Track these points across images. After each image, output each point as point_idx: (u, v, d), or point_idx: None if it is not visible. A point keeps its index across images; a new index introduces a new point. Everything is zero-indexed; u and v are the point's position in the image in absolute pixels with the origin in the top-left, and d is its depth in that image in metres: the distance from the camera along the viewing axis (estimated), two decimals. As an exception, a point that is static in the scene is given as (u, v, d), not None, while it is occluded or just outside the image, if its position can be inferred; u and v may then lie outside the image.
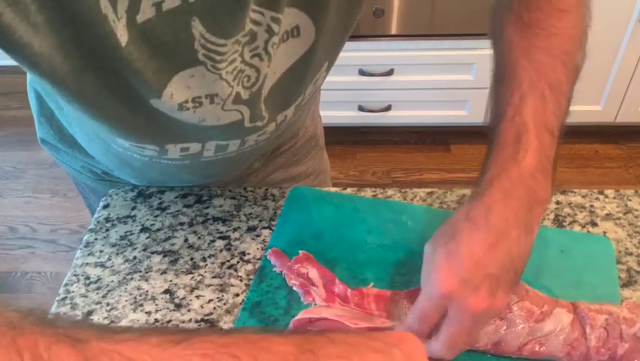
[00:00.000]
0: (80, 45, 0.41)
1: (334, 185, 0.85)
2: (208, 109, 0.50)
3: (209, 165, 0.64)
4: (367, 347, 0.36)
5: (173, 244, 0.67)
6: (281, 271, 0.62)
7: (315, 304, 0.59)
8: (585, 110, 1.88)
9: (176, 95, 0.47)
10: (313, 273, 0.61)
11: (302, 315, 0.56)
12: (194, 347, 0.31)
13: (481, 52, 1.77)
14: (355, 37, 1.77)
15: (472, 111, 1.91)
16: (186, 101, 0.48)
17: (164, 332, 0.32)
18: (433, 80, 1.85)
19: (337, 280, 0.60)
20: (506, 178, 0.47)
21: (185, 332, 0.33)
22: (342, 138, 2.04)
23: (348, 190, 0.72)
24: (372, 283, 0.60)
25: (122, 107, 0.48)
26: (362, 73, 1.84)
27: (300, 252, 0.63)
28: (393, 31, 1.75)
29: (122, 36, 0.41)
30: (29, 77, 0.72)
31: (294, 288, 0.60)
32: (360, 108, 1.94)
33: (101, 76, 0.44)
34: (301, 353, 0.33)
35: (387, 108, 1.94)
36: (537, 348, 0.52)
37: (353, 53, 1.80)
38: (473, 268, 0.45)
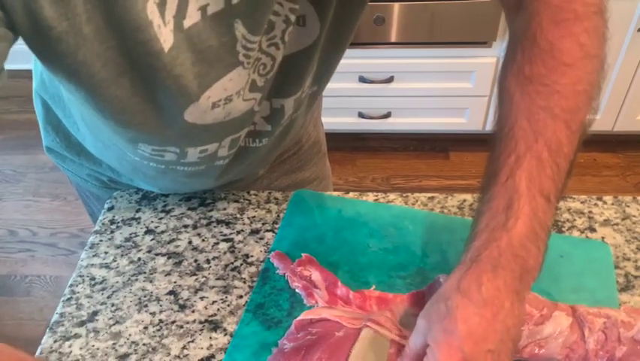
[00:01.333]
0: (122, 52, 0.42)
1: (333, 191, 0.86)
2: (235, 103, 0.51)
3: (221, 171, 0.65)
4: None
5: (178, 246, 0.68)
6: (284, 274, 0.63)
7: (318, 307, 0.59)
8: (583, 118, 1.89)
9: (213, 97, 0.48)
10: (316, 275, 0.62)
11: (303, 316, 0.57)
12: None
13: (481, 60, 1.78)
14: (356, 44, 1.78)
15: (472, 119, 1.93)
16: (219, 100, 0.50)
17: None
18: (433, 87, 1.87)
19: (340, 283, 0.61)
20: (495, 247, 0.46)
21: None
22: (341, 144, 2.05)
23: (351, 195, 0.73)
24: (374, 286, 0.61)
25: (151, 114, 0.49)
26: (362, 80, 1.85)
27: (302, 255, 0.64)
28: (394, 39, 1.77)
29: (166, 41, 0.42)
30: (35, 84, 0.73)
31: (296, 290, 0.61)
32: (360, 115, 1.96)
33: (136, 82, 0.45)
34: None
35: (387, 115, 1.95)
36: (536, 350, 0.53)
37: (353, 60, 1.81)
38: (474, 346, 0.44)
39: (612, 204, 0.70)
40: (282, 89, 0.57)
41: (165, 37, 0.41)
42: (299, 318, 0.57)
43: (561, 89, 0.50)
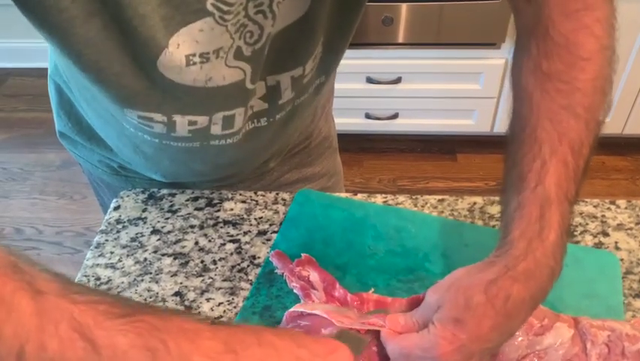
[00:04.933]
0: None
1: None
2: (214, 64, 0.50)
3: (220, 153, 0.64)
4: (291, 353, 0.38)
5: (184, 247, 0.67)
6: (282, 273, 0.62)
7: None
8: (592, 121, 1.87)
9: (183, 46, 0.48)
10: (314, 276, 0.61)
11: (296, 308, 0.56)
12: (131, 324, 0.35)
13: (489, 61, 1.77)
14: (363, 44, 1.78)
15: (480, 120, 1.92)
16: (194, 55, 0.49)
17: (114, 302, 0.36)
18: (441, 88, 1.86)
19: (338, 285, 0.60)
20: (532, 260, 0.47)
21: (132, 307, 0.36)
22: (348, 145, 2.04)
23: (359, 196, 0.72)
24: (372, 289, 0.60)
25: (128, 62, 0.49)
26: (370, 81, 1.85)
27: (302, 255, 0.63)
28: (402, 40, 1.76)
29: None
30: (50, 70, 0.73)
31: (294, 290, 0.60)
32: (367, 116, 1.95)
33: (108, 23, 0.45)
34: (225, 351, 0.36)
35: (394, 116, 1.94)
36: None
37: (361, 61, 1.80)
38: (476, 342, 0.46)
39: (625, 208, 0.69)
40: (276, 65, 0.56)
41: None
42: (291, 310, 0.56)
43: (582, 86, 0.49)
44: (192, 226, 0.69)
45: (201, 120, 0.58)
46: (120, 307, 0.35)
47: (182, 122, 0.58)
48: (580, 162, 0.49)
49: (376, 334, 0.52)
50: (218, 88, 0.53)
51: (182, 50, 0.48)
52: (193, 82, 0.51)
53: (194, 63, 0.49)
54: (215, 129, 0.60)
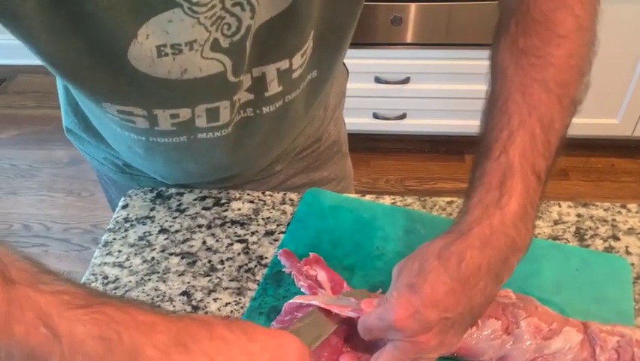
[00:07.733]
0: None
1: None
2: (188, 56, 0.50)
3: (210, 148, 0.63)
4: (241, 347, 0.39)
5: (192, 246, 0.67)
6: (290, 272, 0.62)
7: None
8: (602, 123, 1.86)
9: (152, 36, 0.47)
10: (322, 276, 0.60)
11: (295, 299, 0.56)
12: (90, 315, 0.36)
13: (499, 62, 1.76)
14: (372, 44, 1.77)
15: (488, 121, 1.91)
16: (164, 46, 0.48)
17: (77, 293, 0.37)
18: (449, 89, 1.85)
19: (345, 284, 0.60)
20: (488, 225, 0.46)
21: (92, 298, 0.38)
22: (355, 145, 2.01)
23: (368, 197, 0.72)
24: (380, 291, 0.60)
25: (98, 56, 0.48)
26: (378, 80, 1.84)
27: (310, 254, 0.63)
28: (410, 40, 1.75)
29: None
30: None
31: (301, 289, 0.60)
32: (375, 116, 1.94)
33: (71, 16, 0.44)
34: (175, 344, 0.37)
35: (402, 116, 1.94)
36: None
37: (369, 61, 1.80)
38: (431, 308, 0.45)
39: (637, 212, 0.68)
40: (262, 57, 0.56)
41: None
42: (290, 301, 0.56)
43: (556, 62, 0.49)
44: (200, 226, 0.69)
45: (183, 113, 0.57)
46: (82, 298, 0.37)
47: (163, 116, 0.57)
48: (551, 137, 0.48)
49: None
50: (196, 80, 0.52)
51: (151, 40, 0.48)
52: (168, 74, 0.51)
53: (166, 54, 0.49)
54: (200, 122, 0.59)
